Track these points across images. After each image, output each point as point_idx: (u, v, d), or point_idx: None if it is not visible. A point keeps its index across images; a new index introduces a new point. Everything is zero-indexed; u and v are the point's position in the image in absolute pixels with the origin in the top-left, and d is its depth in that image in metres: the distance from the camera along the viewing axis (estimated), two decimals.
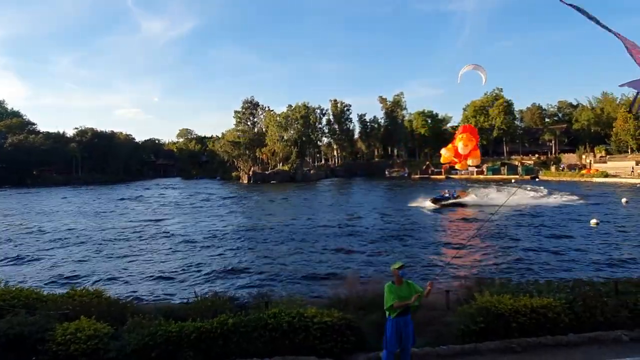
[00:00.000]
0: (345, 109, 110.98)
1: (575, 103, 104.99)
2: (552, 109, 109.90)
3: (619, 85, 6.19)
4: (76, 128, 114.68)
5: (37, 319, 7.59)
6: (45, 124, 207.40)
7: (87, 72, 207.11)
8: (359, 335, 7.59)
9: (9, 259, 20.63)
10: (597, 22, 6.10)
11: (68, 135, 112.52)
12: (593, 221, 26.86)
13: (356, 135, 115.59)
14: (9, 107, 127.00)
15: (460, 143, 26.97)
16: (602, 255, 18.81)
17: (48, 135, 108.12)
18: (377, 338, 6.77)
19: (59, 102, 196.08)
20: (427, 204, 39.48)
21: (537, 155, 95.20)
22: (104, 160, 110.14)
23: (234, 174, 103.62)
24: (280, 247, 22.04)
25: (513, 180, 74.48)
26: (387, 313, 6.53)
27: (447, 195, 42.48)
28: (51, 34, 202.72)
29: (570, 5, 6.05)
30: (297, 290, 14.13)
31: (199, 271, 17.60)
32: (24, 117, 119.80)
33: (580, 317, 8.04)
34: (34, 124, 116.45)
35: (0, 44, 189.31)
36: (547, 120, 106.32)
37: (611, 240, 22.04)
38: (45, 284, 15.40)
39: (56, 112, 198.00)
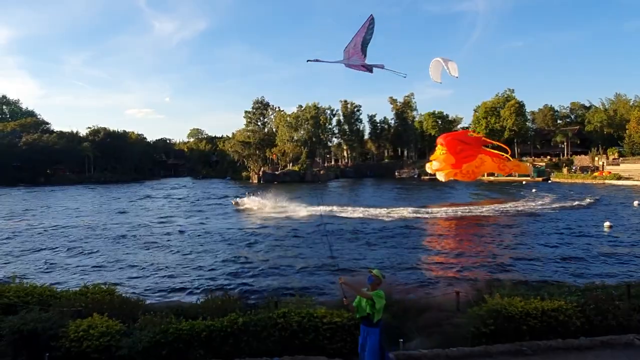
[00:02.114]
0: (356, 109, 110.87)
1: (587, 104, 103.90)
2: (564, 111, 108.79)
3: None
4: (89, 127, 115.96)
5: (50, 315, 7.68)
6: (59, 123, 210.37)
7: (99, 71, 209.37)
8: None
9: (23, 256, 20.92)
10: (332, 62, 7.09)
11: (81, 135, 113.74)
12: (606, 224, 26.55)
13: (366, 136, 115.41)
14: (24, 106, 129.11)
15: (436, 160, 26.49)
16: (615, 258, 18.59)
17: (61, 134, 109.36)
18: (387, 339, 6.76)
19: (71, 101, 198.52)
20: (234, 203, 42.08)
21: (549, 157, 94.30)
22: (116, 159, 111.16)
23: (244, 174, 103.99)
24: (289, 247, 22.09)
25: (524, 182, 73.75)
26: None
27: (246, 196, 43.67)
28: (64, 33, 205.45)
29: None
30: (306, 290, 14.16)
31: (209, 270, 17.71)
32: (38, 117, 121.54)
33: (591, 320, 7.97)
34: (47, 123, 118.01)
35: (15, 43, 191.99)
36: (559, 121, 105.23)
37: (624, 243, 21.77)
38: (59, 281, 15.59)
39: (69, 112, 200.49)
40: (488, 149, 30.13)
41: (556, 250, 20.28)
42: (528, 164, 28.89)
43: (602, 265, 17.42)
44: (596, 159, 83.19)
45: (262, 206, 39.92)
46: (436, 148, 29.45)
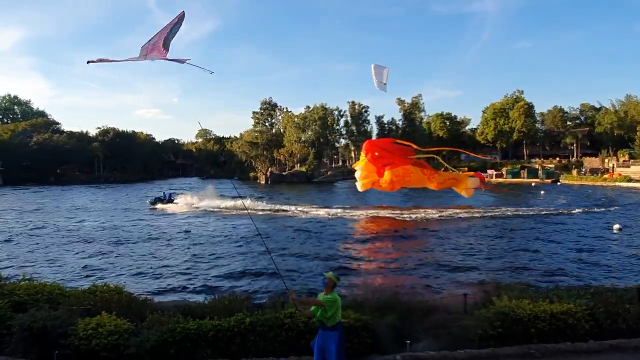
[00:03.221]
0: (363, 110, 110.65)
1: (598, 106, 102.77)
2: (574, 112, 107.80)
3: None
4: (98, 128, 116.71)
5: (59, 313, 7.76)
6: (69, 123, 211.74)
7: (109, 72, 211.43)
8: (374, 336, 7.58)
9: (33, 255, 21.13)
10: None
11: (90, 135, 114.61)
12: (616, 226, 26.31)
13: (374, 137, 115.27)
14: (35, 106, 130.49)
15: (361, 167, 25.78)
16: (625, 261, 18.41)
17: (71, 134, 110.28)
18: (393, 340, 6.76)
19: (81, 101, 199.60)
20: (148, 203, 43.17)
21: (558, 159, 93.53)
22: (125, 159, 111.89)
23: (251, 174, 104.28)
24: (296, 247, 22.10)
25: (533, 184, 73.29)
26: None
27: (161, 196, 43.90)
28: (74, 35, 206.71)
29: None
30: (313, 291, 14.17)
31: (216, 270, 17.78)
32: (49, 117, 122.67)
33: (601, 324, 7.90)
34: (58, 123, 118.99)
35: (27, 44, 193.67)
36: (568, 123, 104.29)
37: (635, 245, 21.55)
38: (68, 280, 15.72)
39: (79, 112, 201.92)
40: (419, 160, 29.08)
41: (565, 253, 20.11)
42: (472, 178, 27.33)
43: (612, 268, 17.24)
44: (606, 160, 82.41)
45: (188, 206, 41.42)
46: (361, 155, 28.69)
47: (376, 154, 26.24)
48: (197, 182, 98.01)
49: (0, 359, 7.31)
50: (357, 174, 28.75)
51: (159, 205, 42.20)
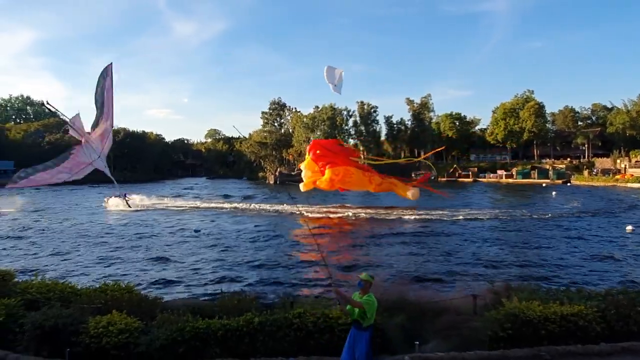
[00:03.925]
0: (372, 110, 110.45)
1: (609, 106, 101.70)
2: (585, 112, 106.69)
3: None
4: None
5: (71, 311, 7.85)
6: None
7: (120, 73, 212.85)
8: (383, 337, 7.57)
9: (45, 254, 21.36)
10: None
11: None
12: (629, 227, 25.99)
13: (382, 137, 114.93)
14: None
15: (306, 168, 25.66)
16: (638, 262, 18.18)
17: None
18: (402, 340, 6.75)
19: (92, 102, 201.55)
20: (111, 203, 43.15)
21: (569, 159, 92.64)
22: (135, 159, 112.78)
23: (260, 174, 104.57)
24: (306, 248, 22.13)
25: (544, 185, 72.68)
26: None
27: (118, 195, 44.63)
28: (87, 36, 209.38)
29: None
30: (321, 291, 14.19)
31: (225, 269, 17.85)
32: (61, 117, 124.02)
33: (612, 326, 7.82)
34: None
35: (40, 45, 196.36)
36: (580, 123, 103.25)
37: None
38: (79, 278, 15.87)
39: (90, 112, 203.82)
40: (361, 164, 28.83)
41: (576, 254, 19.92)
42: (412, 188, 26.89)
43: (624, 270, 17.04)
44: (618, 161, 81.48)
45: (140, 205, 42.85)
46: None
47: (318, 152, 26.20)
48: (204, 182, 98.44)
49: (12, 357, 7.39)
50: (302, 174, 28.76)
51: (111, 201, 43.92)
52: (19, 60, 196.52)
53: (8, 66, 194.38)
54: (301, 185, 26.74)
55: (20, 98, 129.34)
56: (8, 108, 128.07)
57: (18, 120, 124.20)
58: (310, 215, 34.65)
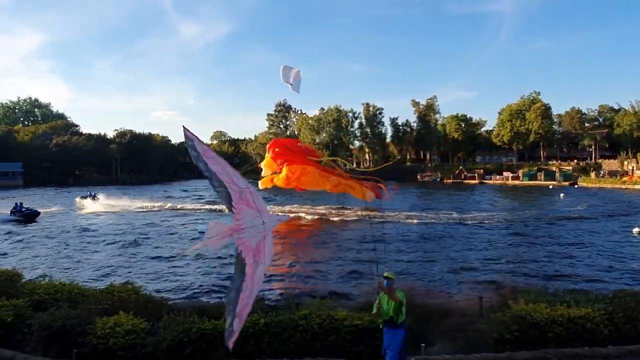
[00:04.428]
0: (378, 112, 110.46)
1: (617, 107, 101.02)
2: (592, 113, 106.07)
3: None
4: (116, 130, 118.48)
5: (78, 312, 7.91)
6: (87, 126, 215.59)
7: (127, 75, 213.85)
8: None
9: (53, 255, 21.49)
10: None
11: (108, 137, 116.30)
12: (635, 230, 25.79)
13: (388, 139, 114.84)
14: (54, 109, 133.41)
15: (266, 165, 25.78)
16: None
17: (90, 136, 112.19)
18: (408, 342, 6.73)
19: (100, 104, 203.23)
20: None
21: (576, 161, 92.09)
22: (141, 161, 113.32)
23: None
24: (311, 249, 22.14)
25: (551, 187, 72.26)
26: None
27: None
28: (93, 38, 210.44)
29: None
30: (327, 292, 14.18)
31: (230, 271, 17.85)
32: (68, 119, 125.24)
33: (620, 328, 7.77)
34: (77, 125, 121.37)
35: (47, 48, 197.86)
36: (586, 124, 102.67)
37: None
38: (86, 280, 15.96)
39: (97, 114, 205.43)
40: (320, 164, 28.82)
41: (583, 257, 19.80)
42: (369, 193, 26.75)
43: (631, 272, 16.90)
44: (625, 163, 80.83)
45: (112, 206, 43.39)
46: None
47: (276, 150, 26.37)
48: (207, 184, 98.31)
49: (21, 357, 7.46)
50: (262, 172, 29.04)
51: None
52: (26, 62, 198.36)
53: (16, 69, 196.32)
54: (259, 183, 27.30)
55: (28, 100, 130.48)
56: (16, 110, 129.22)
57: (26, 123, 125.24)
58: (309, 217, 34.66)
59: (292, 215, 36.43)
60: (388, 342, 6.38)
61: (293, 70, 24.55)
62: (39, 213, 35.20)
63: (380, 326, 6.58)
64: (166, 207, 43.76)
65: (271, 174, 26.88)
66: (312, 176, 27.77)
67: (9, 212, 34.92)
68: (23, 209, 34.79)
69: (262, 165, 27.96)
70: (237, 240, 4.62)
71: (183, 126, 4.61)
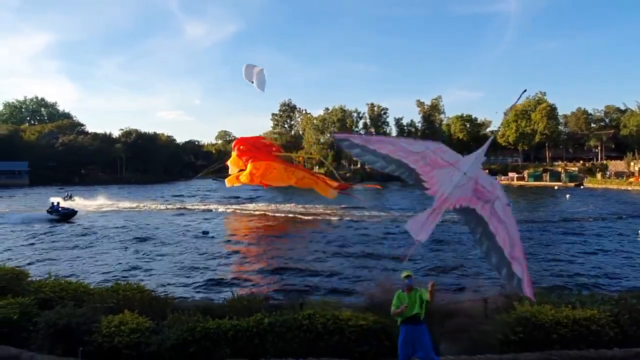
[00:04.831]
0: (382, 112, 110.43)
1: (623, 108, 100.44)
2: (598, 114, 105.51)
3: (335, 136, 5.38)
4: (121, 129, 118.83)
5: (84, 311, 7.94)
6: (93, 125, 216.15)
7: (132, 75, 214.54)
8: (394, 339, 7.53)
9: (59, 253, 21.62)
10: None
11: (114, 136, 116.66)
12: None
13: None
14: (61, 108, 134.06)
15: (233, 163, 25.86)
16: None
17: (95, 135, 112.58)
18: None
19: (105, 103, 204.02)
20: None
21: (581, 162, 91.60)
22: (146, 160, 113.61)
23: None
24: (315, 249, 22.14)
25: (556, 187, 71.92)
26: (398, 320, 6.60)
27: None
28: (100, 38, 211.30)
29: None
30: (331, 292, 14.19)
31: (234, 270, 17.94)
32: (74, 119, 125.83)
33: (626, 331, 7.72)
34: (83, 125, 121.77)
35: (54, 48, 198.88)
36: (593, 125, 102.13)
37: None
38: (92, 278, 16.05)
39: (102, 114, 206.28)
40: (285, 159, 28.89)
41: (588, 258, 19.70)
42: (333, 189, 26.74)
43: (637, 274, 16.81)
44: (632, 164, 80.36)
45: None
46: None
47: (241, 147, 26.56)
48: (211, 183, 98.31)
49: (27, 355, 7.50)
50: (229, 170, 29.27)
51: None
52: (33, 62, 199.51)
53: (23, 68, 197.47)
54: (226, 181, 27.71)
55: (34, 100, 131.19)
56: (23, 110, 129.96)
57: (32, 122, 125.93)
58: (304, 217, 34.67)
59: (291, 214, 36.47)
60: (410, 340, 6.36)
61: (256, 68, 24.68)
62: (76, 212, 34.97)
63: (399, 323, 6.53)
64: (143, 206, 44.26)
65: (238, 172, 27.30)
66: (277, 172, 28.16)
67: (46, 211, 34.88)
68: (60, 209, 34.78)
69: (228, 163, 28.41)
70: (451, 207, 4.38)
71: (333, 131, 4.53)
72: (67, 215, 34.27)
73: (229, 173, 28.39)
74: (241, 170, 27.15)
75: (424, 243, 6.21)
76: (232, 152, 27.81)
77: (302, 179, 27.84)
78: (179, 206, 44.13)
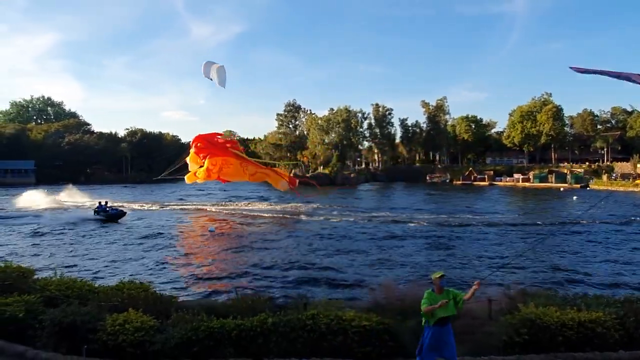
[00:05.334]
0: (387, 112, 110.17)
1: (630, 109, 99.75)
2: (604, 115, 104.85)
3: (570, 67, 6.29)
4: (127, 129, 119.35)
5: (89, 309, 7.97)
6: (98, 124, 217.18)
7: (138, 75, 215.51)
8: (397, 340, 7.54)
9: (64, 252, 21.74)
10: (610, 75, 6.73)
11: (119, 136, 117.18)
12: None
13: (397, 140, 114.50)
14: (67, 108, 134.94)
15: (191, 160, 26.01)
16: None
17: (101, 135, 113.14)
18: (416, 344, 6.71)
19: (111, 103, 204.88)
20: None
21: (587, 163, 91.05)
22: (151, 160, 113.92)
23: None
24: (319, 249, 22.15)
25: (562, 189, 71.54)
26: (423, 321, 6.48)
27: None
28: (106, 38, 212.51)
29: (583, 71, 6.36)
30: (335, 293, 14.18)
31: (239, 270, 17.96)
32: (80, 118, 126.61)
33: (631, 333, 7.67)
34: (88, 124, 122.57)
35: (61, 47, 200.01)
36: (599, 127, 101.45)
37: None
38: (96, 277, 16.11)
39: (108, 113, 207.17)
40: (240, 154, 28.81)
41: (594, 261, 19.59)
42: (283, 181, 26.97)
43: None
44: (638, 165, 79.81)
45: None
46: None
47: (199, 144, 26.67)
48: (214, 183, 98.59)
49: (32, 352, 7.55)
50: (189, 167, 29.35)
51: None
52: (40, 62, 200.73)
53: (30, 68, 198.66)
54: (185, 178, 27.83)
55: (41, 99, 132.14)
56: (29, 109, 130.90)
57: (39, 121, 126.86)
58: (308, 218, 34.72)
59: (298, 214, 36.50)
60: (434, 341, 6.29)
61: (214, 65, 24.79)
62: (124, 214, 33.82)
63: (430, 324, 6.40)
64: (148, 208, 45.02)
65: (195, 167, 27.43)
66: (234, 167, 28.48)
67: (93, 211, 34.34)
68: (107, 209, 33.94)
69: (187, 160, 28.55)
70: None
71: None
72: (114, 216, 33.08)
73: (189, 170, 28.75)
74: (200, 167, 27.45)
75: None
76: (190, 150, 28.17)
77: (255, 173, 28.23)
78: (182, 205, 44.00)
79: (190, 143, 27.70)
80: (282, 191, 27.98)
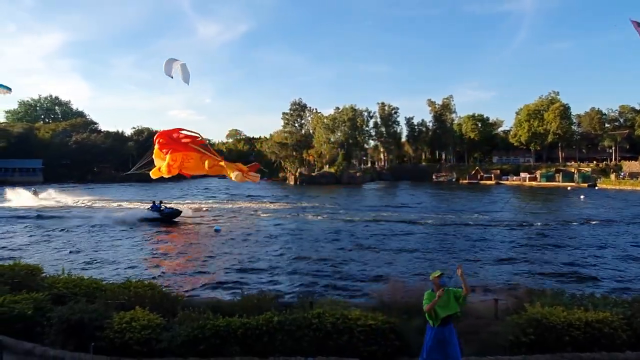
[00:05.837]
0: (393, 111, 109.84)
1: (638, 108, 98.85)
2: (612, 114, 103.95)
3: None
4: (133, 128, 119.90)
5: (96, 307, 8.04)
6: (105, 123, 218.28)
7: (145, 74, 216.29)
8: (403, 339, 7.54)
9: (72, 250, 21.89)
10: None
11: (126, 135, 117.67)
12: None
13: (403, 139, 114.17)
14: (74, 107, 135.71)
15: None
16: None
17: (108, 134, 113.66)
18: (421, 343, 6.70)
19: (118, 102, 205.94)
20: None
21: (595, 162, 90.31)
22: None
23: (280, 174, 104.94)
24: (326, 248, 22.16)
25: (569, 188, 71.04)
26: (428, 321, 6.47)
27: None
28: (114, 37, 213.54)
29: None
30: (340, 292, 14.19)
31: (245, 269, 18.01)
32: (87, 117, 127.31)
33: (639, 334, 7.61)
34: (96, 123, 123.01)
35: (69, 47, 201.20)
36: (607, 125, 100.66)
37: None
38: (104, 275, 16.22)
39: (115, 112, 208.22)
40: (201, 149, 28.86)
41: (601, 261, 19.46)
42: (236, 172, 26.96)
43: None
44: None
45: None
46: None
47: (161, 141, 26.92)
48: (218, 182, 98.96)
49: (40, 349, 7.62)
50: (155, 163, 29.60)
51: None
52: (47, 61, 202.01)
53: (37, 67, 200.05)
54: (150, 174, 28.19)
55: (48, 98, 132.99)
56: (37, 108, 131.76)
57: (46, 120, 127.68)
58: (315, 216, 34.76)
59: (301, 213, 36.54)
60: (440, 340, 6.28)
61: (176, 63, 24.93)
62: (180, 212, 33.47)
63: (433, 325, 6.38)
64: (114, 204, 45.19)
65: (159, 163, 27.70)
66: (194, 161, 29.04)
67: (147, 210, 34.00)
68: (162, 208, 33.73)
69: (153, 157, 28.92)
70: None
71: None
72: (169, 215, 32.81)
73: (154, 166, 29.09)
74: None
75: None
76: (154, 146, 28.60)
77: (213, 166, 28.64)
78: (186, 204, 44.19)
79: (154, 139, 28.32)
80: (237, 181, 28.45)
